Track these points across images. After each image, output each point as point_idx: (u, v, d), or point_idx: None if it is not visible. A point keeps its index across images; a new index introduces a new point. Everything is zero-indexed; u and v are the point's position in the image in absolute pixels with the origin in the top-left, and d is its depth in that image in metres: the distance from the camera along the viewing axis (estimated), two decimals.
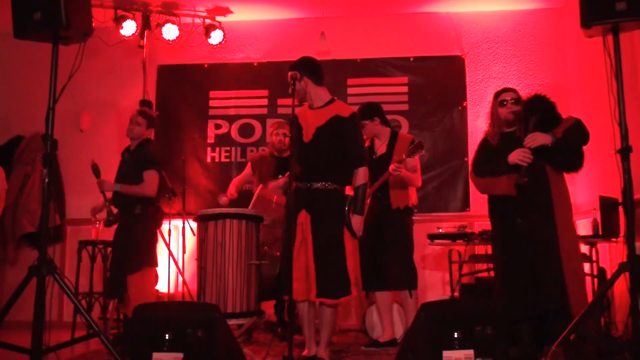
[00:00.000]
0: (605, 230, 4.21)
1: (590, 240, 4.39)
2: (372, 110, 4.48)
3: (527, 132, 3.45)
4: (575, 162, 3.49)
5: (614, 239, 4.27)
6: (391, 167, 4.12)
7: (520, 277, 3.42)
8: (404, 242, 4.35)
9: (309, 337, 3.67)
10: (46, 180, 3.03)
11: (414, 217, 4.51)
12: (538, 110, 3.50)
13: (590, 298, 3.41)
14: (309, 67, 3.68)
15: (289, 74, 3.59)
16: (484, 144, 3.76)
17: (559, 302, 3.32)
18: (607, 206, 4.22)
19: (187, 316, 2.85)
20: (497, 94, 3.72)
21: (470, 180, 3.93)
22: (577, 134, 3.43)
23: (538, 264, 3.39)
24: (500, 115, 3.65)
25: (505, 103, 3.65)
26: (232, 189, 5.03)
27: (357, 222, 3.57)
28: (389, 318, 4.38)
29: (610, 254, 4.64)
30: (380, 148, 4.47)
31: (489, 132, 3.75)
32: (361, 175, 3.60)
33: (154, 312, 2.95)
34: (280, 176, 4.92)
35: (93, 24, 3.26)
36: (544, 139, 3.39)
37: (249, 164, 5.18)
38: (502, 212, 3.57)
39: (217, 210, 3.98)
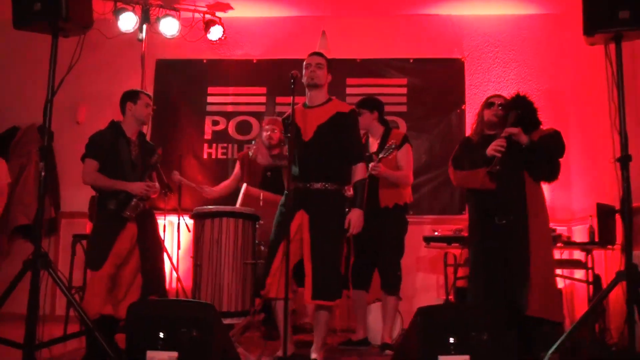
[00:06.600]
0: (602, 237, 4.22)
1: (586, 247, 4.40)
2: (374, 103, 4.42)
3: (506, 126, 3.53)
4: (549, 171, 3.54)
5: (610, 246, 4.28)
6: (370, 165, 3.99)
7: (495, 279, 3.45)
8: (391, 243, 4.20)
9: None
10: (42, 173, 2.99)
11: (410, 219, 4.39)
12: (519, 107, 3.57)
13: (583, 306, 3.40)
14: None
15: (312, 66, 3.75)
16: (465, 141, 3.86)
17: (523, 310, 3.33)
18: (604, 213, 4.22)
19: (182, 315, 2.83)
20: (488, 98, 3.83)
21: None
22: (553, 143, 3.50)
23: (510, 267, 3.43)
24: (485, 116, 3.75)
25: (492, 106, 3.74)
26: (215, 192, 5.18)
27: (356, 215, 3.49)
28: (363, 317, 4.32)
29: (606, 261, 4.64)
30: (373, 145, 4.38)
31: (471, 132, 3.85)
32: (360, 170, 3.57)
33: (149, 310, 2.94)
34: (268, 173, 4.91)
35: (93, 16, 3.23)
36: (520, 135, 3.47)
37: (238, 162, 5.21)
38: (482, 210, 3.60)
39: (214, 208, 3.96)
